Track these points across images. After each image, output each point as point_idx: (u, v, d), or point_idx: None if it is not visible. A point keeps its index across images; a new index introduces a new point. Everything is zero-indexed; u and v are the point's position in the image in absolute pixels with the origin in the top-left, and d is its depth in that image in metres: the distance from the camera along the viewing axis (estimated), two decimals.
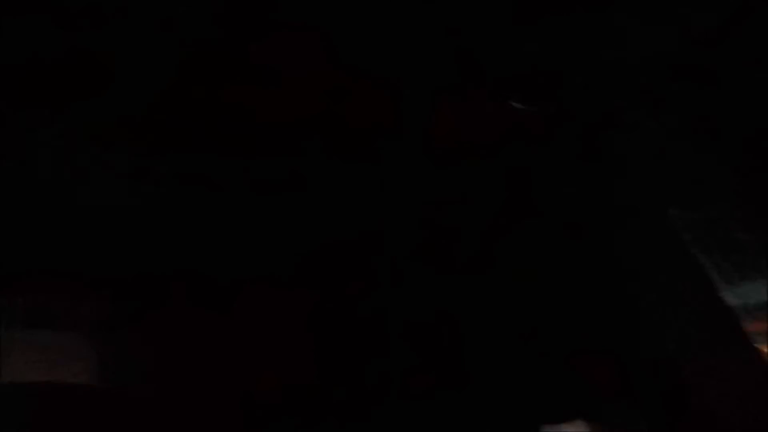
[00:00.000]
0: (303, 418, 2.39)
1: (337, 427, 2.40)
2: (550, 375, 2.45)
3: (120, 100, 2.37)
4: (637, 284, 2.51)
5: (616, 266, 2.53)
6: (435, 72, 2.43)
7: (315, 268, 2.48)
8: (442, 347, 2.46)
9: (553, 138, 2.51)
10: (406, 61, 2.41)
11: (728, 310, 2.40)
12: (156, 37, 2.33)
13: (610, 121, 2.50)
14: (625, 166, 2.53)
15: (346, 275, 2.49)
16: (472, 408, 2.41)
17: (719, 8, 2.37)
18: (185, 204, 2.47)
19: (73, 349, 2.40)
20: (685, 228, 2.48)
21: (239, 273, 2.46)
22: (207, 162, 2.47)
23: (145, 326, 2.42)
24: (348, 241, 2.50)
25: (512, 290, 2.49)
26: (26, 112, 2.39)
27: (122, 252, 2.43)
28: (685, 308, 2.44)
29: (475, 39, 2.38)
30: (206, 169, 2.47)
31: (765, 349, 2.35)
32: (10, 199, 2.40)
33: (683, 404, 2.36)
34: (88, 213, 2.44)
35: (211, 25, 2.34)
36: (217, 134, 2.46)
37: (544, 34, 2.35)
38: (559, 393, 2.44)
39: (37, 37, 2.29)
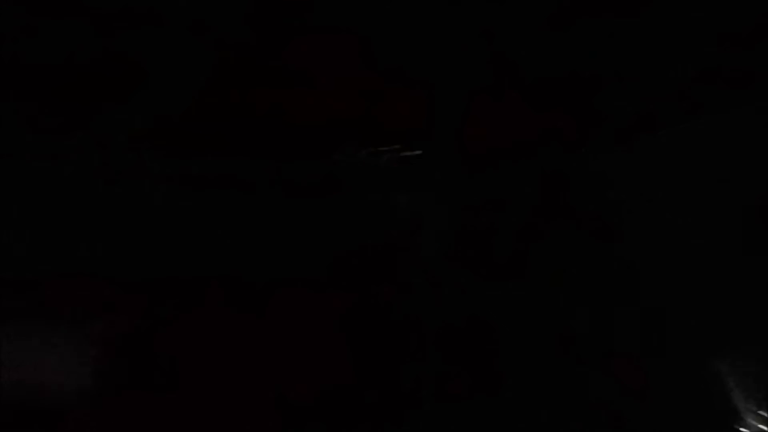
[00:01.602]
0: (337, 420, 2.40)
1: (371, 429, 2.41)
2: (584, 379, 2.45)
3: (154, 104, 2.37)
4: (667, 287, 2.51)
5: (649, 270, 2.53)
6: (470, 74, 2.42)
7: (349, 271, 2.49)
8: (476, 351, 2.46)
9: (588, 142, 2.50)
10: (441, 64, 2.40)
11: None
12: (190, 40, 2.33)
13: (647, 124, 2.49)
14: (660, 168, 2.52)
15: (381, 278, 2.49)
16: (507, 412, 2.41)
17: (754, 10, 2.35)
18: (220, 207, 2.47)
19: (108, 349, 2.41)
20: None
21: (273, 276, 2.47)
22: (241, 165, 2.47)
23: (180, 328, 2.43)
24: (382, 244, 2.50)
25: (547, 294, 2.49)
26: (62, 115, 2.39)
27: (157, 255, 2.44)
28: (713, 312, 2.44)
29: (510, 42, 2.37)
30: (240, 172, 2.48)
31: None
32: (46, 200, 2.41)
33: None
34: (123, 216, 2.45)
35: (245, 27, 2.34)
36: (252, 137, 2.46)
37: (581, 37, 2.33)
38: (592, 396, 2.44)
39: (73, 40, 2.29)
